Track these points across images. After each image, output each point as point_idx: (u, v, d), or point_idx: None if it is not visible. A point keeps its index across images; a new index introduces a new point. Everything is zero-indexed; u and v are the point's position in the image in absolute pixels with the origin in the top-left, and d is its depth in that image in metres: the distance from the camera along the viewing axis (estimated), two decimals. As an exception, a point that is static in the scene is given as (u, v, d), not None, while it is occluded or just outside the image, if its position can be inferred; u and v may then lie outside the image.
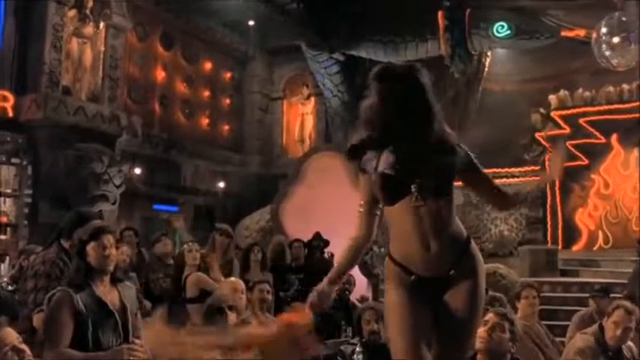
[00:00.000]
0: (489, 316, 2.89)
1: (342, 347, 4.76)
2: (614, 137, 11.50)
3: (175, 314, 5.21)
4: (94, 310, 2.91)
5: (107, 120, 8.41)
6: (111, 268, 3.07)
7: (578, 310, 5.88)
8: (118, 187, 8.20)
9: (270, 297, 4.61)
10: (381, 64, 2.34)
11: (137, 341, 3.01)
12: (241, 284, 4.27)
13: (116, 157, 8.44)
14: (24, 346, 2.42)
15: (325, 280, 2.41)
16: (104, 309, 2.95)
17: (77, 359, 2.78)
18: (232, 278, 4.44)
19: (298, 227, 8.85)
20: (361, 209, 2.38)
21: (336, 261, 2.49)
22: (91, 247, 3.00)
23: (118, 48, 8.97)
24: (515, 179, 12.68)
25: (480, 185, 2.46)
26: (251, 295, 4.60)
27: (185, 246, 5.16)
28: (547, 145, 11.92)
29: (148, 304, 5.70)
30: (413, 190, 2.20)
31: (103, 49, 8.79)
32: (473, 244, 2.34)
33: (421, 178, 2.21)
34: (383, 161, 2.25)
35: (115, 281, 3.14)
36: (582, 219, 11.93)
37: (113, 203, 8.21)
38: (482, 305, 2.38)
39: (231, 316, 3.38)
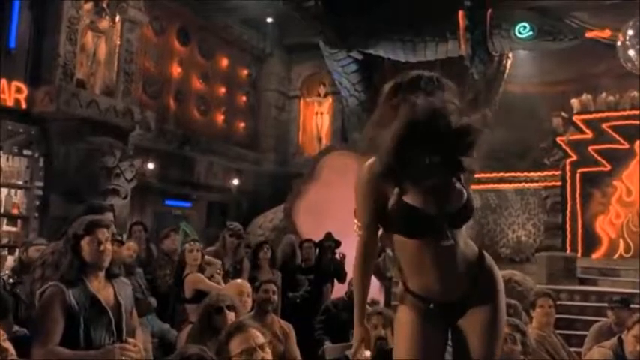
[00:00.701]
0: (500, 326, 2.72)
1: (347, 352, 4.62)
2: (637, 143, 11.25)
3: (177, 313, 5.14)
4: (87, 307, 2.82)
5: (120, 114, 8.34)
6: (106, 263, 2.97)
7: (596, 320, 5.71)
8: (129, 181, 8.13)
9: (275, 297, 4.50)
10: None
11: (131, 340, 2.90)
12: (247, 287, 4.15)
13: (128, 151, 8.38)
14: (8, 344, 2.31)
15: (356, 322, 2.26)
16: (97, 306, 2.85)
17: (66, 357, 2.68)
18: (239, 280, 4.32)
19: (311, 227, 8.74)
20: (361, 233, 2.21)
21: (355, 293, 2.31)
22: (85, 242, 2.91)
23: (133, 42, 8.91)
24: (535, 184, 12.52)
25: None
26: (256, 294, 4.49)
27: (186, 245, 5.06)
28: (568, 150, 11.68)
29: (153, 300, 5.64)
30: (444, 228, 2.06)
31: (118, 42, 8.73)
32: (487, 258, 2.22)
33: (451, 213, 2.08)
34: (410, 190, 2.06)
35: (110, 277, 3.04)
36: (603, 226, 11.68)
37: (124, 198, 8.15)
38: (503, 325, 2.25)
39: (230, 315, 3.26)
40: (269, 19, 12.37)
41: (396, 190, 2.06)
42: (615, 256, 11.36)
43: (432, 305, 2.14)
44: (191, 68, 11.37)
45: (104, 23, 8.52)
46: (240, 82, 12.75)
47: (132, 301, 3.14)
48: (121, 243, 5.12)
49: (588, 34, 10.60)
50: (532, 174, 12.41)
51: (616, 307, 5.15)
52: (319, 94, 13.47)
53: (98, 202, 4.07)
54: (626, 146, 11.30)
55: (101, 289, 2.94)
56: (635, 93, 11.29)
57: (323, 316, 5.94)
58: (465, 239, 2.16)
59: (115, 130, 8.22)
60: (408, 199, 2.04)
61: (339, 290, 6.73)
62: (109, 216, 3.77)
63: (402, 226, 2.08)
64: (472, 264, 2.15)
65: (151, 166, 9.62)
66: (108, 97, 8.46)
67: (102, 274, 2.97)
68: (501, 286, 2.22)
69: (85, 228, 2.93)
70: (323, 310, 6.00)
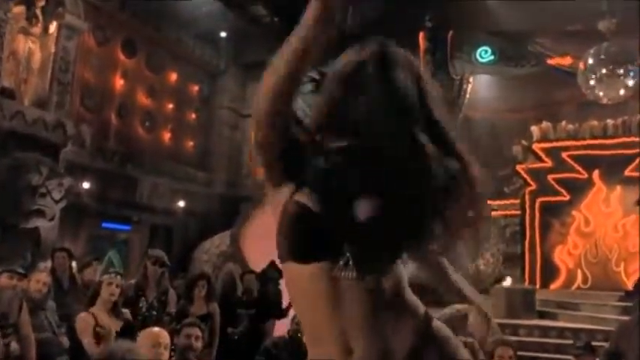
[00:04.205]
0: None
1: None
2: (596, 173, 11.14)
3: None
4: None
5: (51, 127, 7.60)
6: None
7: (557, 359, 5.34)
8: (57, 201, 7.38)
9: (199, 344, 3.88)
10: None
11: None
12: (164, 337, 3.50)
13: (58, 168, 7.63)
14: None
15: None
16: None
17: None
18: (155, 329, 3.66)
19: (259, 254, 8.17)
20: None
21: None
22: None
23: (70, 50, 8.21)
24: (494, 212, 12.23)
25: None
26: (177, 339, 3.88)
27: (105, 277, 4.43)
28: (528, 179, 11.46)
29: (65, 340, 4.95)
30: (346, 254, 1.27)
31: (53, 50, 8.03)
32: (437, 326, 1.38)
33: (370, 234, 1.26)
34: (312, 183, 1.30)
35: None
36: (561, 257, 11.54)
37: (51, 219, 7.39)
38: None
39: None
40: (223, 34, 11.83)
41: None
42: (573, 287, 11.19)
43: None
44: (137, 82, 10.68)
45: (37, 29, 7.81)
46: (190, 99, 12.11)
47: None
48: (23, 276, 4.44)
49: (550, 61, 10.45)
50: (491, 202, 12.16)
51: (580, 354, 4.74)
52: (274, 114, 12.97)
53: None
54: (585, 176, 11.18)
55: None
56: (595, 122, 11.18)
57: (262, 357, 5.36)
58: (401, 283, 1.34)
59: (44, 145, 7.48)
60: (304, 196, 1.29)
61: (281, 328, 6.15)
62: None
63: (284, 235, 1.31)
64: (408, 330, 1.33)
65: (86, 185, 8.85)
66: (38, 108, 7.72)
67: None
68: None
69: None
70: (262, 351, 5.42)
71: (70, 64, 8.23)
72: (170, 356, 3.79)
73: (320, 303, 1.29)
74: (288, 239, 1.31)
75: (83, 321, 4.24)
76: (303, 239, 1.30)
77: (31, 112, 7.48)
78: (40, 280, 4.83)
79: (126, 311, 4.45)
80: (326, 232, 1.28)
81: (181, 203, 11.16)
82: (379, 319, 1.30)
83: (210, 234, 10.74)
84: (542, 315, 9.86)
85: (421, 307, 1.38)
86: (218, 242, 10.32)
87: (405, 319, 1.34)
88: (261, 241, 8.95)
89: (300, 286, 1.32)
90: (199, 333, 3.85)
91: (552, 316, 9.81)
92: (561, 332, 8.66)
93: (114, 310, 4.29)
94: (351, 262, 1.26)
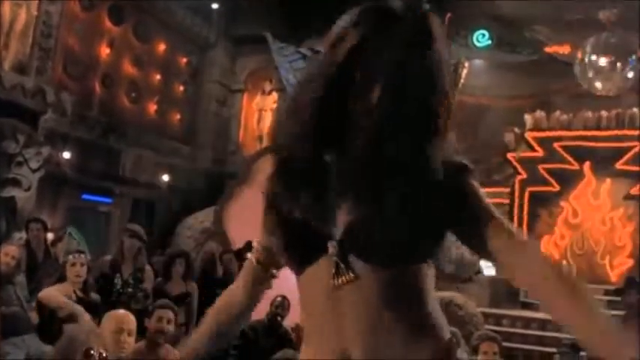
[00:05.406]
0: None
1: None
2: (587, 165, 11.08)
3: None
4: None
5: (30, 93, 7.32)
6: None
7: (539, 351, 5.26)
8: (34, 171, 7.14)
9: (171, 327, 3.70)
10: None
11: None
12: (129, 323, 3.29)
13: (37, 136, 7.36)
14: None
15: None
16: None
17: None
18: (121, 312, 3.46)
19: (242, 233, 7.99)
20: (251, 257, 1.41)
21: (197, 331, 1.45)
22: None
23: (53, 15, 7.88)
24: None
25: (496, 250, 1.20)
26: (149, 321, 3.70)
27: (69, 257, 4.24)
28: (519, 167, 11.35)
29: (34, 316, 4.77)
30: (330, 250, 1.13)
31: (35, 14, 7.71)
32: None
33: (361, 228, 1.12)
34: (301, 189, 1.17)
35: None
36: (547, 247, 11.52)
37: (27, 189, 7.15)
38: None
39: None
40: (215, 6, 11.50)
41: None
42: (557, 279, 11.17)
43: None
44: (123, 50, 10.32)
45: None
46: (178, 71, 11.78)
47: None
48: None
49: (548, 49, 10.28)
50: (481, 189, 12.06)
51: (565, 353, 4.62)
52: (264, 91, 12.69)
53: None
54: (576, 167, 11.12)
55: None
56: (589, 114, 11.07)
57: (238, 342, 5.20)
58: (421, 302, 1.17)
59: (22, 112, 7.21)
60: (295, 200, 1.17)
61: (259, 311, 5.99)
62: None
63: (277, 241, 1.23)
64: (424, 353, 1.15)
65: (67, 155, 8.58)
66: (18, 73, 7.43)
67: None
68: None
69: None
70: (239, 335, 5.26)
71: (53, 28, 7.91)
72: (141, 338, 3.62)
73: (322, 302, 1.17)
74: (279, 242, 1.24)
75: (59, 290, 4.08)
76: (293, 241, 1.21)
77: (10, 77, 7.19)
78: (9, 253, 4.64)
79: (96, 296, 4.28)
80: (299, 226, 1.16)
81: (165, 177, 10.92)
82: (384, 327, 1.14)
83: (194, 210, 10.54)
84: (525, 305, 9.82)
85: (446, 330, 1.22)
86: (202, 219, 10.12)
87: (423, 339, 1.17)
88: (243, 220, 8.78)
89: (305, 295, 1.23)
90: (172, 316, 3.68)
91: (535, 307, 9.77)
92: (543, 324, 8.61)
93: (84, 289, 4.12)
94: (342, 266, 1.13)
